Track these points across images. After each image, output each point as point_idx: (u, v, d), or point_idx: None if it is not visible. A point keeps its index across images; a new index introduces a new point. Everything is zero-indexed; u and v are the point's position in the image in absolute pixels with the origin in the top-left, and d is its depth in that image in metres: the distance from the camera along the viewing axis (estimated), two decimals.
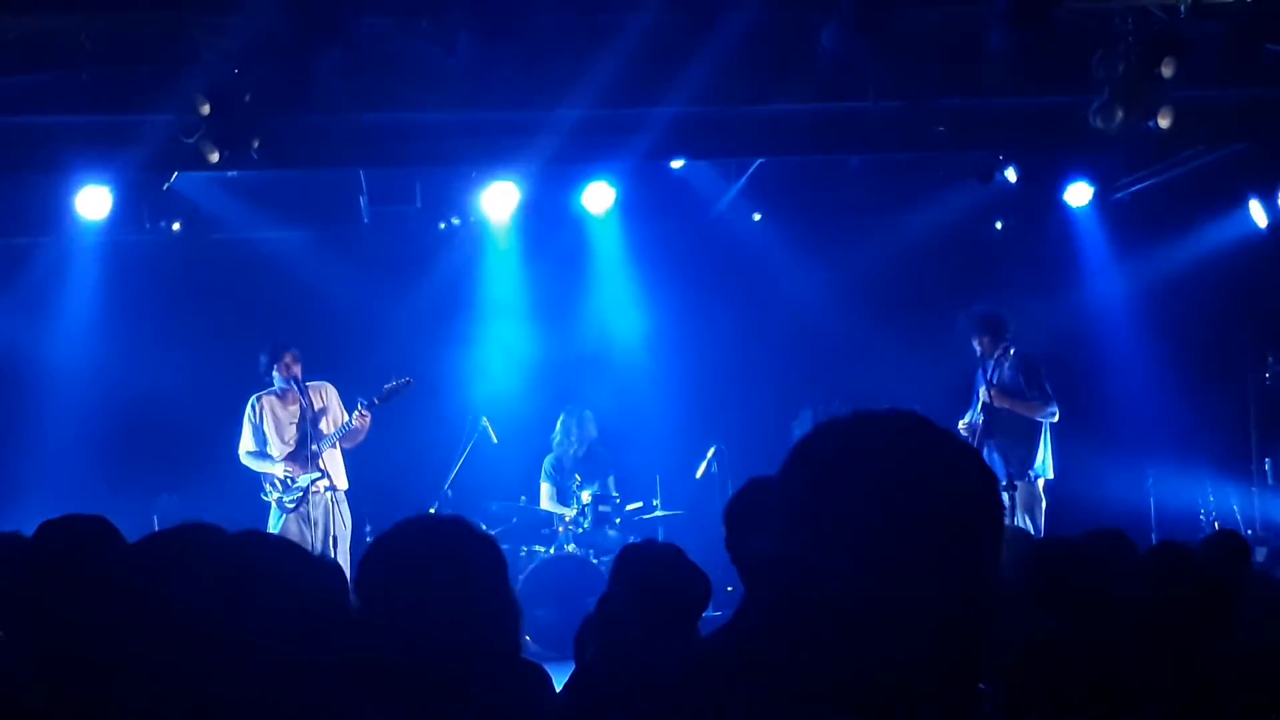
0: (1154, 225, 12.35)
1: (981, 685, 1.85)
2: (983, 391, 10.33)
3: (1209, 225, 12.13)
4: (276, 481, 10.34)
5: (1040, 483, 10.32)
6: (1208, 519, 11.83)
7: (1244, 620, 4.48)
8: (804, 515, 1.81)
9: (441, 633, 2.69)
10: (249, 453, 10.51)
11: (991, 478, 1.83)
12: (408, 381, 10.48)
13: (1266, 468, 12.37)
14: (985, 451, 10.15)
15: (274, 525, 10.23)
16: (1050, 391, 10.34)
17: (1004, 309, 10.58)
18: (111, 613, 2.77)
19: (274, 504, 10.35)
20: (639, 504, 11.67)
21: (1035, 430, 10.33)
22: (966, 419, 10.46)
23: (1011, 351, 10.35)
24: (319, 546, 9.96)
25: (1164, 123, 8.52)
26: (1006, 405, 10.26)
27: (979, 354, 10.49)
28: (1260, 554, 10.66)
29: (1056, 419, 10.38)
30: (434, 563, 2.81)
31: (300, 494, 10.24)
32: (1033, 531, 9.80)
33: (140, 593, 2.70)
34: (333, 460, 10.40)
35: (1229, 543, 6.48)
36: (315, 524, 10.22)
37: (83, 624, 3.00)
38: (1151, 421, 12.45)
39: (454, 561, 2.82)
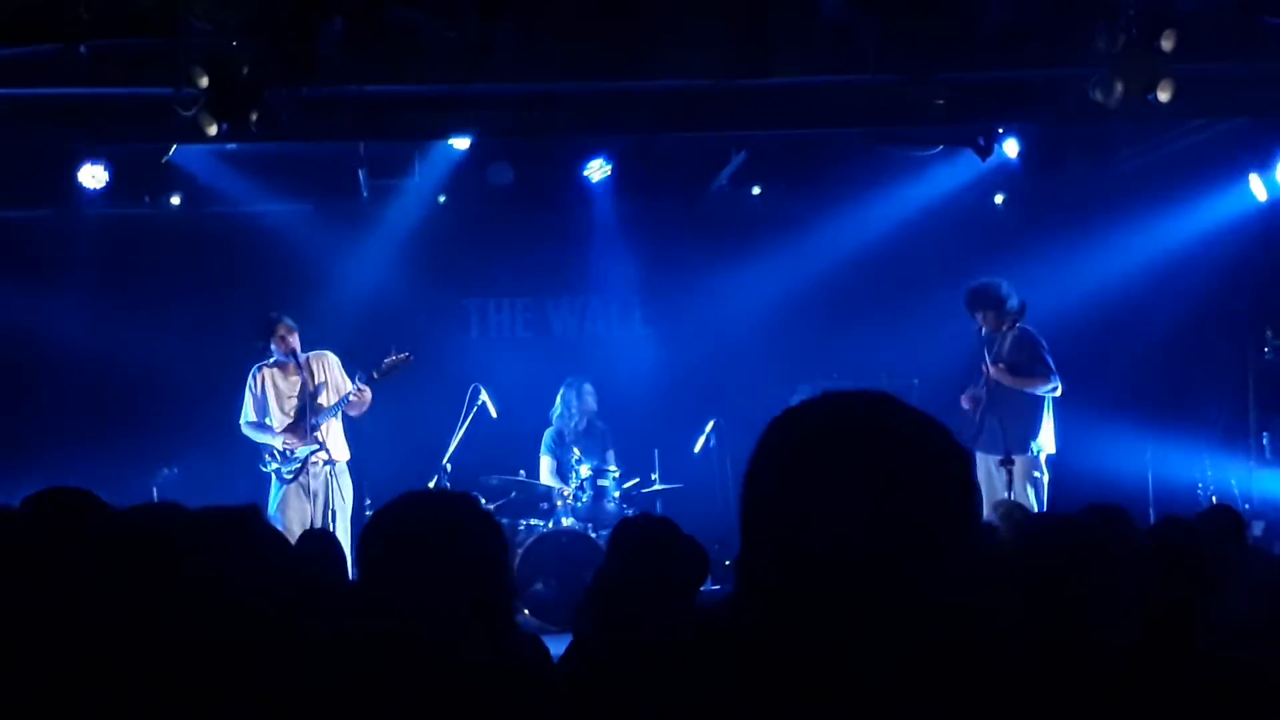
0: (1153, 199, 12.33)
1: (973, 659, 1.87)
2: (986, 366, 10.36)
3: (1209, 199, 12.11)
4: (275, 453, 10.33)
5: (1042, 457, 10.34)
6: (1205, 493, 11.85)
7: (1236, 596, 4.49)
8: (781, 496, 1.82)
9: (438, 605, 2.70)
10: (249, 423, 10.48)
11: (961, 453, 1.85)
12: (407, 357, 10.45)
13: (1265, 442, 12.38)
14: (987, 424, 10.20)
15: (274, 496, 10.24)
16: (1052, 366, 10.35)
17: (1007, 284, 10.57)
18: (94, 584, 2.77)
19: (273, 475, 10.36)
20: (635, 480, 11.65)
21: (1038, 404, 10.35)
22: (970, 390, 10.49)
23: (1016, 326, 10.37)
24: (318, 519, 9.97)
25: (1164, 96, 8.49)
26: (1007, 381, 10.28)
27: (982, 329, 10.49)
28: (1258, 528, 10.68)
29: (1059, 393, 10.39)
30: (434, 536, 2.82)
31: (299, 465, 10.23)
32: (1035, 506, 9.84)
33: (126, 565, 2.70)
34: (333, 432, 10.39)
35: (1224, 518, 6.50)
36: (315, 496, 10.20)
37: (64, 595, 3.00)
38: (1151, 396, 12.47)
39: (454, 536, 2.82)
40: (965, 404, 10.41)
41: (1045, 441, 10.35)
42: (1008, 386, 10.28)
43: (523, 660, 3.26)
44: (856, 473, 1.78)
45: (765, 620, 1.80)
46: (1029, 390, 10.31)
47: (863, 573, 1.75)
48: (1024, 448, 10.19)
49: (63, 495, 3.70)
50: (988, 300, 10.43)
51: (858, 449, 1.80)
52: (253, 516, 2.89)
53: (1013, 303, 10.40)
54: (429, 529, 2.84)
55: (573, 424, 11.89)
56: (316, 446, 10.21)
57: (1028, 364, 10.34)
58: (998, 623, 1.90)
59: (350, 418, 10.55)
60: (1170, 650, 3.74)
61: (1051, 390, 10.35)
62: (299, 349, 10.33)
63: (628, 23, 8.73)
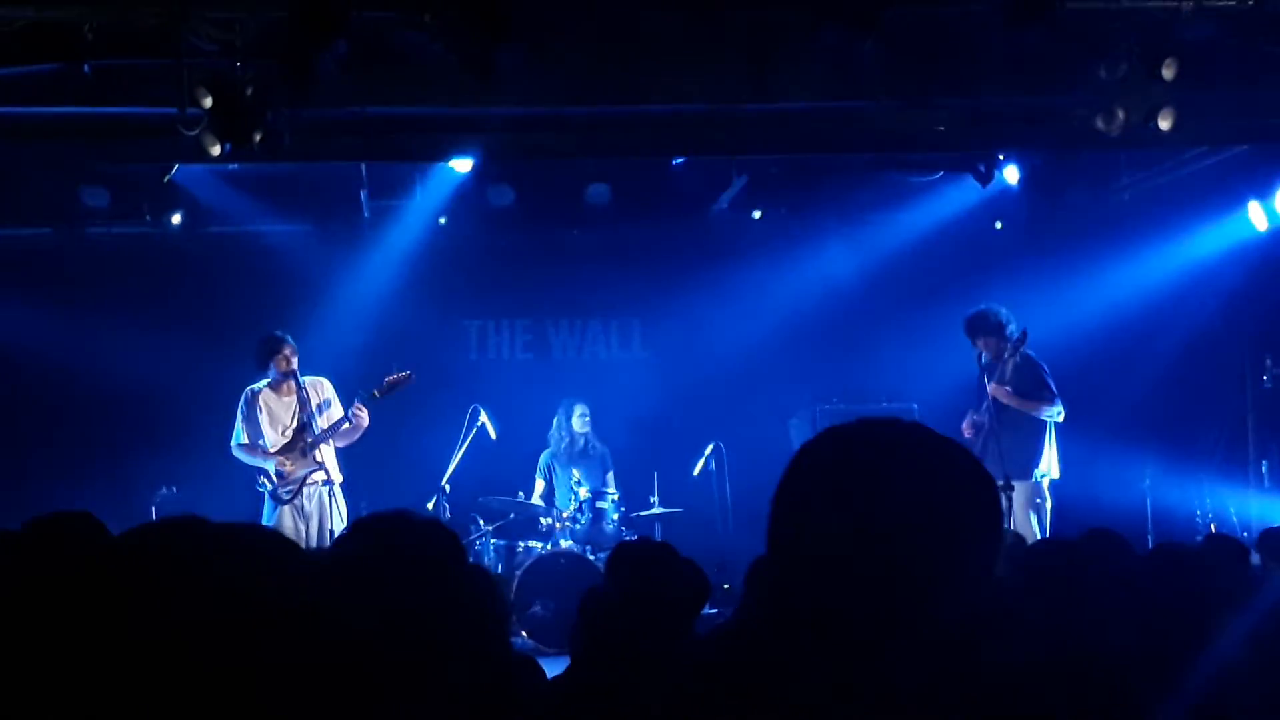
0: (1153, 227, 12.35)
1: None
2: (989, 389, 10.28)
3: (1208, 227, 12.13)
4: (271, 474, 10.27)
5: (1045, 482, 10.31)
6: (1204, 521, 11.84)
7: (1239, 623, 4.48)
8: (804, 520, 1.82)
9: (401, 630, 2.68)
10: (240, 446, 10.37)
11: (990, 483, 1.86)
12: (408, 375, 10.39)
13: (1263, 470, 12.38)
14: (988, 449, 10.13)
15: (268, 517, 10.15)
16: (1055, 390, 10.32)
17: (1008, 309, 10.55)
18: (98, 608, 2.74)
19: (268, 495, 10.29)
20: (615, 493, 11.65)
21: (1040, 429, 10.31)
22: (971, 417, 10.43)
23: (1017, 351, 10.32)
24: (313, 541, 9.91)
25: (1165, 124, 8.51)
26: (1011, 403, 10.22)
27: (984, 354, 10.45)
28: (1255, 557, 10.65)
29: (1061, 418, 10.34)
30: (372, 565, 2.76)
31: (295, 486, 10.17)
32: (1038, 532, 9.83)
33: (128, 587, 2.68)
34: (327, 454, 10.31)
35: (1227, 545, 6.48)
36: (310, 517, 10.12)
37: (67, 620, 2.98)
38: (1149, 423, 12.47)
39: (393, 560, 2.77)
40: (967, 430, 10.36)
41: (1048, 467, 10.32)
42: (1011, 412, 10.23)
43: (515, 683, 3.24)
44: (889, 494, 1.79)
45: (782, 637, 1.80)
46: (1031, 413, 10.26)
47: (889, 591, 1.76)
48: (1027, 473, 10.15)
49: (64, 520, 3.66)
50: (985, 327, 10.40)
51: (892, 471, 1.82)
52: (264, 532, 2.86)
53: (1012, 329, 10.35)
54: (367, 558, 2.78)
55: (564, 445, 11.90)
56: (315, 467, 10.14)
57: (1032, 389, 10.30)
58: (1003, 646, 1.91)
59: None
60: (1170, 673, 3.73)
61: (1055, 415, 10.32)
62: (297, 370, 10.28)
63: (630, 46, 8.76)
